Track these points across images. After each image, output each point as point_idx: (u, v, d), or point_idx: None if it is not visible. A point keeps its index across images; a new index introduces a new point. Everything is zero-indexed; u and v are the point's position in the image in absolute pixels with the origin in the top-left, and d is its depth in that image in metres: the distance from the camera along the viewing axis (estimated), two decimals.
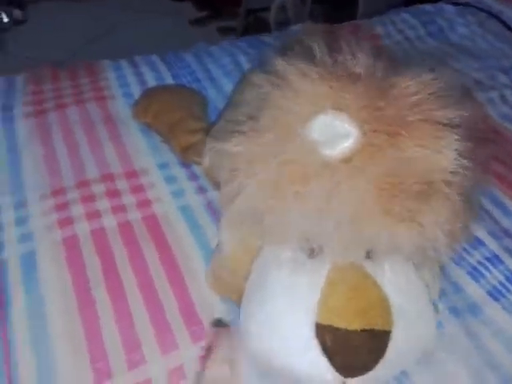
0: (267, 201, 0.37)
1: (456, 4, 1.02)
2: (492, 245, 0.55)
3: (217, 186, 0.52)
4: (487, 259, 0.54)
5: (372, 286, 0.39)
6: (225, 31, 1.72)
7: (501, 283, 0.52)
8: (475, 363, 0.46)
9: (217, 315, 0.48)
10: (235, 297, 0.45)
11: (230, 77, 0.79)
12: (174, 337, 0.46)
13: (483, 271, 0.53)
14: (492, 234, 0.56)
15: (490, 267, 0.53)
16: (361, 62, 0.39)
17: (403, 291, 0.40)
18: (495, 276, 0.52)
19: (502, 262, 0.53)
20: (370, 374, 0.38)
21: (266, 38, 0.93)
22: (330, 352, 0.38)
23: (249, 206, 0.38)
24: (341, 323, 0.38)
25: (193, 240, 0.55)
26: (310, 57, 0.39)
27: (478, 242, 0.55)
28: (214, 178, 0.53)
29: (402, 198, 0.35)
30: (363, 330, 0.38)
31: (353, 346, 0.38)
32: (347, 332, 0.38)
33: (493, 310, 0.50)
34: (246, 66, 0.82)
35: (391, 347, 0.38)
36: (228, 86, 0.77)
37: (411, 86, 0.37)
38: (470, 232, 0.41)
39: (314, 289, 0.39)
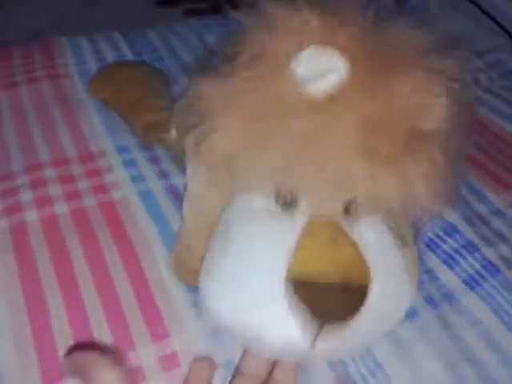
0: (241, 141, 0.33)
1: None
2: (467, 232, 0.53)
3: (181, 159, 0.48)
4: (463, 246, 0.52)
5: (349, 242, 0.36)
6: (192, 13, 1.66)
7: (477, 272, 0.50)
8: (450, 353, 0.44)
9: (177, 305, 0.44)
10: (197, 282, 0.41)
11: (196, 56, 0.74)
12: (131, 333, 0.42)
13: (458, 259, 0.51)
14: (468, 221, 0.54)
15: (466, 255, 0.51)
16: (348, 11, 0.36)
17: (380, 252, 0.37)
18: (471, 264, 0.50)
19: (477, 249, 0.51)
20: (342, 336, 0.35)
21: (235, 16, 0.88)
22: (302, 306, 0.34)
23: (220, 148, 0.34)
24: (315, 277, 0.34)
25: (154, 227, 0.51)
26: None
27: (453, 229, 0.53)
28: (180, 150, 0.49)
29: (387, 142, 0.32)
30: (340, 284, 0.34)
31: (328, 299, 0.34)
32: (322, 286, 0.34)
33: (468, 299, 0.48)
34: (213, 44, 0.77)
35: (367, 303, 0.35)
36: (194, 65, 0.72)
37: (406, 32, 0.35)
38: (450, 195, 0.38)
39: (285, 242, 0.35)
